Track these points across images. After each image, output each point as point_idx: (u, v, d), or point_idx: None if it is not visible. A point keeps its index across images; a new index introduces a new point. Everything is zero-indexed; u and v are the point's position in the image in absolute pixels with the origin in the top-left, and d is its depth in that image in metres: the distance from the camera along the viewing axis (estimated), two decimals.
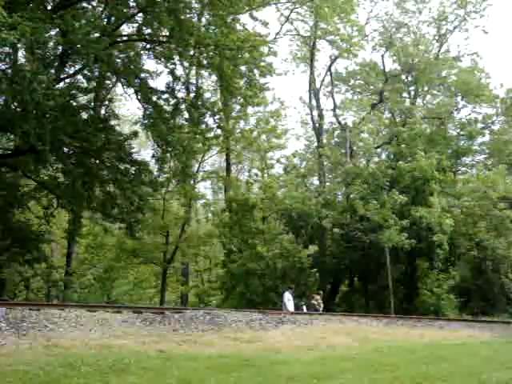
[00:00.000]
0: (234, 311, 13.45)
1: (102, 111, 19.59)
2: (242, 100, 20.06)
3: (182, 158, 19.43)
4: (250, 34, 18.55)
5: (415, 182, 25.44)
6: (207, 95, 22.00)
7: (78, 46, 14.64)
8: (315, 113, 32.46)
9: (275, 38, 28.97)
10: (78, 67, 17.45)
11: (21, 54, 16.07)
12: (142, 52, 18.69)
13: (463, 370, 8.64)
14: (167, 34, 17.06)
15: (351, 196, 26.00)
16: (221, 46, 16.71)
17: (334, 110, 33.94)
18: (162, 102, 18.54)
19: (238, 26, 18.53)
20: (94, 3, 18.30)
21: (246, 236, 26.33)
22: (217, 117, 20.11)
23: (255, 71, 18.50)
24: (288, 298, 18.43)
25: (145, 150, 32.04)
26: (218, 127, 20.93)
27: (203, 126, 19.85)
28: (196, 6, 17.82)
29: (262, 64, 18.56)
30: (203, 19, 18.56)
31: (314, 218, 26.33)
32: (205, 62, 18.15)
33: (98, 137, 17.32)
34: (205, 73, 22.47)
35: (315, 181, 34.25)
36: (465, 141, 35.00)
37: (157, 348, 8.35)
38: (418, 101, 35.59)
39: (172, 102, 18.67)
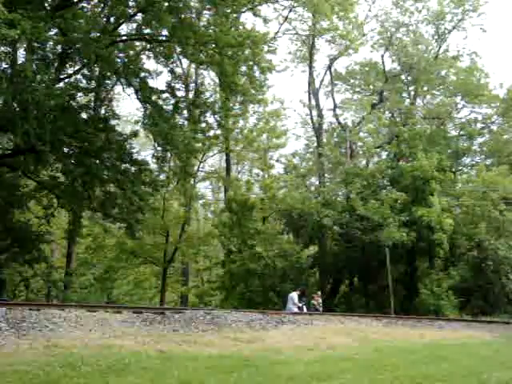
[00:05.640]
0: (234, 311, 13.43)
1: (102, 111, 19.58)
2: (242, 98, 20.06)
3: (183, 156, 19.43)
4: (251, 30, 18.55)
5: (415, 181, 25.43)
6: (207, 94, 22.00)
7: (78, 45, 14.64)
8: (315, 113, 32.47)
9: (274, 38, 28.93)
10: (77, 67, 17.45)
11: (21, 53, 16.07)
12: (141, 52, 18.69)
13: (463, 370, 8.64)
14: (167, 33, 17.07)
15: (351, 196, 25.97)
16: (221, 43, 16.71)
17: (333, 109, 34.00)
18: (161, 102, 18.55)
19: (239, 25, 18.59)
20: (94, 3, 18.29)
21: (246, 236, 26.33)
22: (217, 116, 20.09)
23: (255, 68, 18.51)
24: (293, 302, 18.32)
25: (145, 151, 32.06)
26: (219, 125, 20.91)
27: (203, 125, 19.86)
28: (196, 5, 17.82)
29: (262, 62, 18.58)
30: (204, 17, 18.58)
31: (314, 218, 26.32)
32: (205, 59, 18.14)
33: (98, 137, 17.32)
34: (205, 71, 22.45)
35: (315, 181, 34.26)
36: (465, 141, 35.05)
37: (157, 348, 8.35)
38: (417, 101, 35.65)
39: (172, 100, 18.67)
